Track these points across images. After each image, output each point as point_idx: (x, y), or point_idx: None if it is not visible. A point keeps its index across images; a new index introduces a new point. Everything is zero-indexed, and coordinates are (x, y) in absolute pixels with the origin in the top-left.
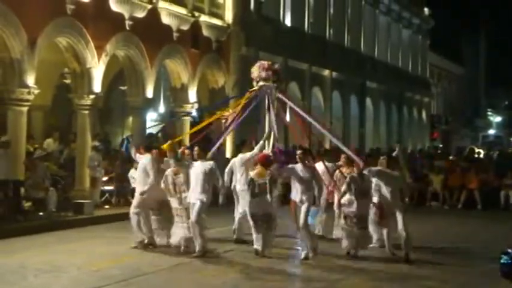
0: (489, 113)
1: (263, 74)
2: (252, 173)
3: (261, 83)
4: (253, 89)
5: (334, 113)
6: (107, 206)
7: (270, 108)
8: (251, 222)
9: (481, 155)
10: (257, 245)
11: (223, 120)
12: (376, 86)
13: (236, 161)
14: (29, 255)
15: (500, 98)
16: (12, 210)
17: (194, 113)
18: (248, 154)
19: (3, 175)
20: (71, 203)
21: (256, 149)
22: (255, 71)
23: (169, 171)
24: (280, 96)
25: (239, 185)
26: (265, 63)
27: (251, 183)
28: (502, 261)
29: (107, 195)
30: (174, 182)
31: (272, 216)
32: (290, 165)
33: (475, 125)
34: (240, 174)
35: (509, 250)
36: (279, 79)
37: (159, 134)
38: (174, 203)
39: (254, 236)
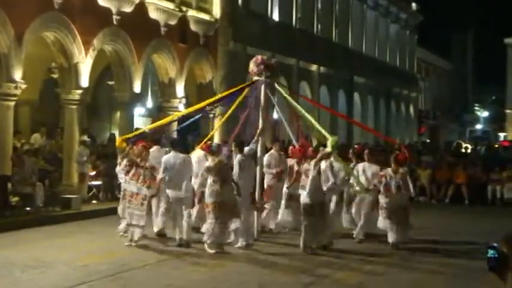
0: (476, 108)
1: (255, 69)
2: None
3: (255, 78)
4: (247, 83)
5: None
6: (94, 201)
7: (260, 104)
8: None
9: (469, 150)
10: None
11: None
12: (364, 81)
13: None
14: (16, 250)
15: (487, 93)
16: None
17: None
18: (246, 149)
19: None
20: (58, 198)
21: (252, 143)
22: (251, 65)
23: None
24: (266, 91)
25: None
26: (259, 57)
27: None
28: (488, 255)
29: (94, 190)
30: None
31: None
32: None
33: (462, 120)
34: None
35: (496, 244)
36: (273, 74)
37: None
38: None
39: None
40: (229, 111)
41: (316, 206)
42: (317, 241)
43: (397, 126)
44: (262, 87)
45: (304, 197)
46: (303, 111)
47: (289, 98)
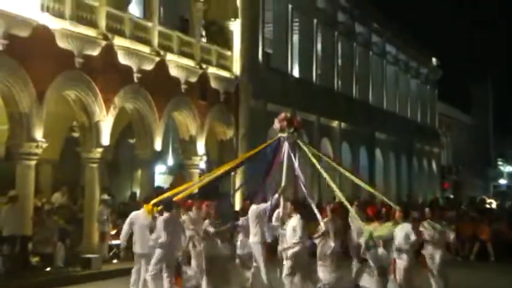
0: (500, 163)
1: (277, 125)
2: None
3: (279, 134)
4: (272, 139)
5: (343, 165)
6: (115, 261)
7: (284, 159)
8: None
9: (493, 205)
10: None
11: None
12: (385, 137)
13: (250, 213)
14: None
15: (509, 147)
16: (19, 266)
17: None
18: (263, 205)
19: (10, 230)
20: (78, 257)
21: (272, 201)
22: (275, 122)
23: None
24: (287, 146)
25: (252, 237)
26: (283, 114)
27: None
28: None
29: (115, 249)
30: None
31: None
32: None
33: (485, 175)
34: (253, 226)
35: None
36: (296, 130)
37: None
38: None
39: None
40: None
41: None
42: None
43: (419, 183)
44: (285, 144)
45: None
46: (322, 171)
47: (310, 155)
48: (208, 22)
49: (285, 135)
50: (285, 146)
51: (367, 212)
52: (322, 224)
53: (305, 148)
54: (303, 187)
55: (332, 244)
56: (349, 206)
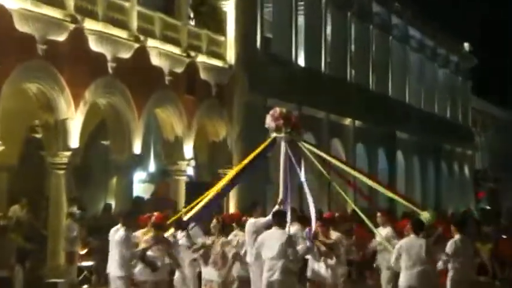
0: None
1: (272, 124)
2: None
3: (274, 135)
4: (267, 141)
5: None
6: (85, 286)
7: (281, 164)
8: None
9: None
10: None
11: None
12: (408, 137)
13: (247, 227)
14: None
15: None
16: None
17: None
18: (263, 220)
19: None
20: (41, 282)
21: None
22: (267, 119)
23: None
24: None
25: (249, 256)
26: (277, 110)
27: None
28: None
29: (85, 272)
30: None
31: None
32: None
33: None
34: (250, 244)
35: None
36: (295, 129)
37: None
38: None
39: None
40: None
41: None
42: None
43: (449, 191)
44: (282, 145)
45: None
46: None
47: (313, 158)
48: (197, 1)
49: (281, 135)
50: (282, 149)
51: (398, 225)
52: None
53: (311, 149)
54: (309, 198)
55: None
56: (366, 218)
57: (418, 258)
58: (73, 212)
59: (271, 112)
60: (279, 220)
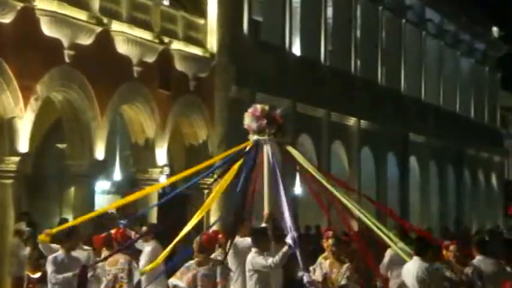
0: None
1: (253, 125)
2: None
3: (255, 137)
4: (243, 144)
5: (363, 178)
6: None
7: (265, 172)
8: None
9: None
10: None
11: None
12: (424, 140)
13: (231, 250)
14: None
15: None
16: None
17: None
18: (248, 240)
19: None
20: None
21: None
22: (246, 119)
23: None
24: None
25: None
26: (258, 108)
27: None
28: None
29: None
30: None
31: None
32: None
33: None
34: (234, 266)
35: None
36: (280, 130)
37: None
38: None
39: None
40: (223, 184)
41: None
42: None
43: (473, 204)
44: (265, 150)
45: None
46: (329, 186)
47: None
48: None
49: (265, 137)
50: (266, 154)
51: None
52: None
53: (296, 155)
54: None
55: None
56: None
57: None
58: (21, 230)
59: (250, 110)
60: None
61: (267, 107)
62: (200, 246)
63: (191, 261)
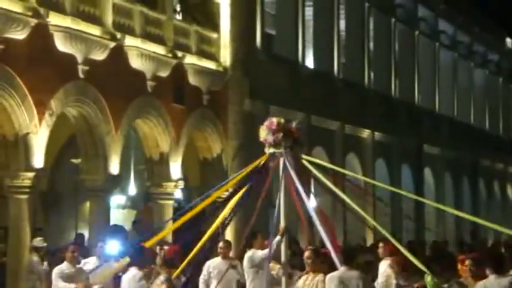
0: None
1: (270, 138)
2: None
3: (271, 150)
4: (260, 159)
5: (377, 190)
6: None
7: (281, 185)
8: None
9: None
10: None
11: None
12: (438, 152)
13: (245, 262)
14: None
15: None
16: None
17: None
18: (260, 252)
19: None
20: None
21: (271, 246)
22: (262, 132)
23: None
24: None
25: None
26: (274, 121)
27: None
28: None
29: None
30: None
31: None
32: None
33: None
34: (249, 279)
35: None
36: (296, 143)
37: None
38: None
39: None
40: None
41: None
42: None
43: (489, 215)
44: (282, 163)
45: None
46: (345, 198)
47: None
48: None
49: (281, 150)
50: (282, 166)
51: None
52: None
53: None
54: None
55: None
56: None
57: None
58: (38, 246)
59: (266, 123)
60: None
61: (282, 120)
62: (164, 260)
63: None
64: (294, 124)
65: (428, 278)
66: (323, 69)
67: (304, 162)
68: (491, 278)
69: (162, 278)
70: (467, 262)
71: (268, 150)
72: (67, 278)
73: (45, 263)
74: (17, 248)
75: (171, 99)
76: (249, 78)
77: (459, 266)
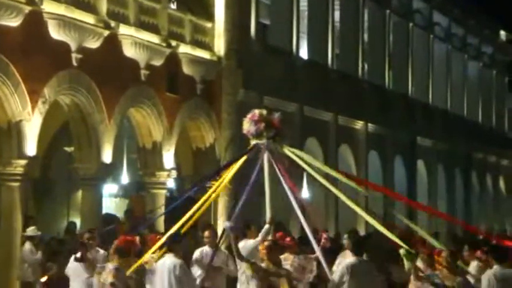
0: None
1: (252, 129)
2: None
3: (254, 141)
4: (248, 148)
5: (371, 181)
6: None
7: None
8: None
9: None
10: None
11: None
12: (431, 144)
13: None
14: None
15: None
16: None
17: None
18: (251, 241)
19: None
20: None
21: (261, 235)
22: (245, 124)
23: None
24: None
25: (240, 284)
26: (256, 112)
27: None
28: None
29: None
30: None
31: None
32: None
33: None
34: (241, 270)
35: None
36: (279, 134)
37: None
38: None
39: None
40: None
41: None
42: None
43: (481, 208)
44: (265, 154)
45: None
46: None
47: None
48: None
49: (263, 141)
50: (265, 157)
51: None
52: None
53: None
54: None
55: None
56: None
57: None
58: (30, 235)
59: (249, 115)
60: None
61: (264, 112)
62: (115, 248)
63: None
64: (276, 115)
65: (402, 251)
66: (317, 60)
67: (287, 152)
68: (497, 267)
69: (110, 266)
70: (443, 254)
71: (252, 142)
72: None
73: (39, 252)
74: (8, 235)
75: (165, 88)
76: (243, 68)
77: (435, 258)
